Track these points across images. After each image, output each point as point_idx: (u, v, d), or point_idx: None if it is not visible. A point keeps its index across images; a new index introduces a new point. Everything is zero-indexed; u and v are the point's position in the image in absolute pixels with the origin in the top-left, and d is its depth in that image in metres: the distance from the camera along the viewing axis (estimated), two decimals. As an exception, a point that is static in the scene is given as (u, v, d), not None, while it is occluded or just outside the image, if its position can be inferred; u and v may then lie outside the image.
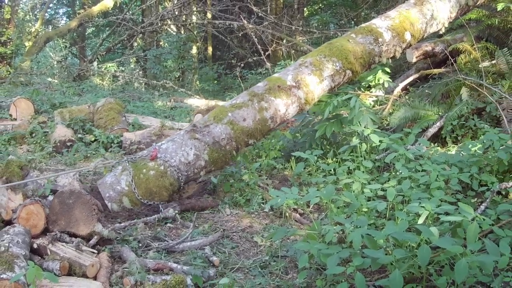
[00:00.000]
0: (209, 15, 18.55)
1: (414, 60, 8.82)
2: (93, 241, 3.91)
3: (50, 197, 4.44)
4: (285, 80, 5.65)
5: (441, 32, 7.18)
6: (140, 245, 4.20)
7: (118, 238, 4.12)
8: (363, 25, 6.56)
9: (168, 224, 4.75)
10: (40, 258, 3.65)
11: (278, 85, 5.56)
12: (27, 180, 4.31)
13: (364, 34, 6.20)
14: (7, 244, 3.40)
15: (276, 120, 5.52)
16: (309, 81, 5.70)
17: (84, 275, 3.48)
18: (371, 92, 9.47)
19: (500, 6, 7.16)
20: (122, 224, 4.14)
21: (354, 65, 6.00)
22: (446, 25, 6.96)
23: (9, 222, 3.97)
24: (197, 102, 12.12)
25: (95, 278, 3.52)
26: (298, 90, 5.61)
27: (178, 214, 4.94)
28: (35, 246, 3.73)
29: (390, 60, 6.64)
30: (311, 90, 5.70)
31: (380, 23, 6.43)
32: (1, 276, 3.05)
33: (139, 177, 4.77)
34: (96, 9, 17.12)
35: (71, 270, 3.51)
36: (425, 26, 6.61)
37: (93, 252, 3.80)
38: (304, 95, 5.65)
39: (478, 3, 7.30)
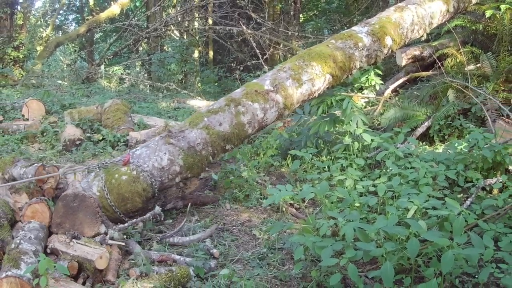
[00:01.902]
0: (210, 21, 18.53)
1: (404, 63, 8.83)
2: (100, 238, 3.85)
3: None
4: (263, 85, 5.22)
5: (423, 39, 6.98)
6: (144, 238, 4.21)
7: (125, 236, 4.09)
8: (343, 31, 6.26)
9: (168, 221, 4.76)
10: (56, 257, 3.60)
11: (255, 90, 5.14)
12: (25, 180, 4.18)
13: (343, 40, 5.89)
14: (18, 241, 3.38)
15: (254, 125, 5.05)
16: (287, 85, 5.26)
17: (96, 269, 3.42)
18: (363, 93, 9.47)
19: (488, 13, 7.16)
20: (125, 224, 4.08)
21: (334, 69, 5.59)
22: (428, 30, 6.70)
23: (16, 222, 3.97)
24: (199, 103, 12.10)
25: (106, 269, 3.48)
26: (276, 94, 5.17)
27: (181, 209, 4.95)
28: (50, 246, 3.65)
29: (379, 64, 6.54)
30: (289, 94, 5.25)
31: (360, 29, 6.14)
32: (7, 273, 3.02)
33: (111, 183, 4.30)
34: (103, 15, 17.09)
35: (82, 267, 3.45)
36: (406, 31, 6.31)
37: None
38: (283, 99, 5.21)
39: (460, 11, 7.16)
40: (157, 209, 4.28)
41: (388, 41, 6.06)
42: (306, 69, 5.43)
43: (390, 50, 6.22)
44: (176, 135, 4.65)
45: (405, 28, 6.25)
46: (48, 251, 3.63)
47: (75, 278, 3.42)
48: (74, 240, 3.64)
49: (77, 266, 3.41)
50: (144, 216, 4.18)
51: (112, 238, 3.80)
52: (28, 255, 3.25)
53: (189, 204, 4.88)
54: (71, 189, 4.01)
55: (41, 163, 4.41)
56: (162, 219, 4.36)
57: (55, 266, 3.10)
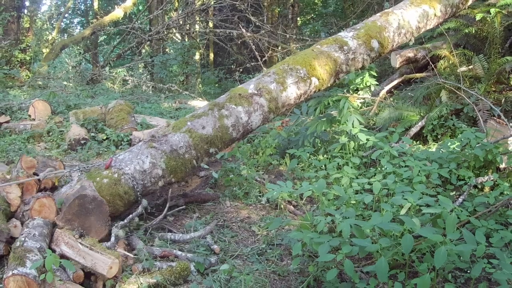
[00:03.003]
0: (210, 24, 18.53)
1: (398, 65, 8.83)
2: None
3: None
4: (247, 89, 5.09)
5: (411, 43, 6.85)
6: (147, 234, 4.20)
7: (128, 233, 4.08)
8: (329, 37, 6.09)
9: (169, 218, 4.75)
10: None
11: (239, 94, 5.01)
12: (21, 181, 4.09)
13: (328, 44, 5.73)
14: (23, 239, 3.35)
15: (239, 128, 4.87)
16: (271, 88, 5.10)
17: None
18: (359, 94, 9.46)
19: (478, 16, 7.16)
20: (125, 221, 4.05)
21: (319, 71, 5.42)
22: (416, 34, 6.54)
23: (13, 214, 3.89)
24: (200, 103, 12.09)
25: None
26: (260, 97, 5.01)
27: (183, 206, 4.94)
28: (58, 251, 3.48)
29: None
30: (274, 98, 5.08)
31: (345, 34, 6.00)
32: (13, 272, 2.99)
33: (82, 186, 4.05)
34: (107, 18, 17.08)
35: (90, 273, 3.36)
36: (393, 34, 6.13)
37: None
38: (267, 102, 5.03)
39: (449, 16, 7.07)
40: (144, 202, 4.25)
41: (375, 44, 5.92)
42: (291, 72, 5.29)
43: (378, 53, 6.06)
44: (159, 139, 4.53)
45: (391, 32, 6.10)
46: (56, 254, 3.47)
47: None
48: (81, 241, 3.48)
49: (82, 275, 3.31)
50: (135, 212, 4.14)
51: (116, 237, 3.78)
52: (33, 252, 3.21)
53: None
54: (90, 190, 3.89)
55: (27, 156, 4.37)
56: (148, 211, 4.33)
57: (60, 263, 3.07)
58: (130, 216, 4.10)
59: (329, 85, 5.73)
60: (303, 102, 5.80)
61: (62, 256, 3.40)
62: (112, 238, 3.73)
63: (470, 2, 7.26)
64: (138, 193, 4.30)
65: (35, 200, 3.84)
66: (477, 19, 7.23)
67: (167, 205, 4.60)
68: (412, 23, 6.31)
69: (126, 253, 3.64)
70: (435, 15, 6.59)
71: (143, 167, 4.32)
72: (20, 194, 4.00)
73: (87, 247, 3.39)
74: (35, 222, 3.64)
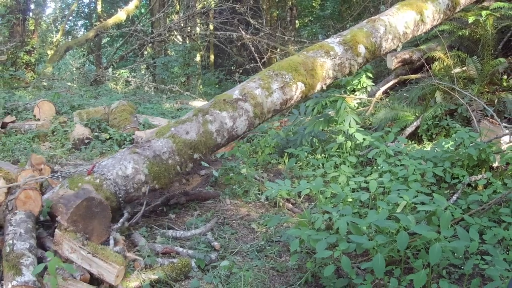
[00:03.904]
0: (211, 27, 18.51)
1: (394, 66, 8.82)
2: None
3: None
4: (232, 95, 4.93)
5: (398, 49, 6.71)
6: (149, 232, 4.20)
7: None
8: (315, 44, 5.90)
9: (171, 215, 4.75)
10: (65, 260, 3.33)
11: (223, 99, 4.85)
12: (12, 184, 3.99)
13: (315, 50, 5.54)
14: (11, 242, 3.20)
15: (224, 133, 4.71)
16: (256, 94, 4.93)
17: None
18: (356, 95, 9.46)
19: (471, 19, 7.16)
20: (118, 225, 4.00)
21: (306, 76, 5.24)
22: (403, 40, 6.34)
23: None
24: (201, 104, 12.08)
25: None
26: (245, 103, 4.85)
27: (184, 204, 4.94)
28: (62, 254, 3.35)
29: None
30: (259, 103, 4.91)
31: (332, 40, 5.83)
32: (12, 284, 2.86)
33: (74, 191, 3.89)
34: (110, 21, 17.06)
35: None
36: (380, 40, 5.94)
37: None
38: (252, 108, 4.86)
39: (436, 23, 6.91)
40: (128, 208, 4.16)
41: (361, 49, 5.75)
42: (276, 78, 5.13)
43: (365, 59, 5.88)
44: (142, 145, 4.38)
45: (378, 37, 5.93)
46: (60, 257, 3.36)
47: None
48: (85, 248, 3.32)
49: (89, 277, 3.22)
50: (124, 217, 4.06)
51: (115, 240, 3.74)
52: (25, 255, 3.09)
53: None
54: (95, 194, 3.81)
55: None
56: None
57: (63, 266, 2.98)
58: (121, 220, 4.03)
59: (316, 90, 5.56)
60: (290, 108, 5.67)
61: (68, 260, 3.31)
62: (111, 242, 3.68)
63: (458, 10, 7.18)
64: (121, 199, 4.11)
65: (21, 190, 3.68)
66: (469, 21, 7.23)
67: (144, 205, 4.34)
68: (399, 28, 6.14)
69: (136, 257, 3.58)
70: (422, 21, 6.44)
71: (125, 173, 4.13)
72: (6, 190, 3.82)
73: (90, 253, 3.28)
74: (17, 217, 3.47)
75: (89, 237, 3.56)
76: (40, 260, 3.26)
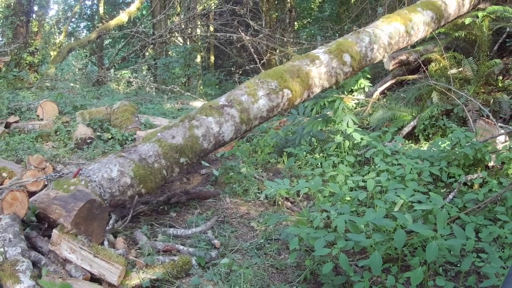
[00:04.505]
0: (211, 28, 18.52)
1: (391, 67, 8.82)
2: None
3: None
4: (218, 101, 4.91)
5: (384, 59, 6.61)
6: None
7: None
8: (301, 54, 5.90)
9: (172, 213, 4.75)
10: (63, 261, 3.31)
11: (210, 105, 4.83)
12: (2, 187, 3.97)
13: (300, 59, 5.54)
14: (2, 250, 3.11)
15: (210, 139, 4.64)
16: (242, 100, 4.90)
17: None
18: (354, 95, 9.46)
19: (467, 21, 7.16)
20: (109, 227, 3.98)
21: (291, 83, 5.21)
22: (388, 51, 6.33)
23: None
24: (201, 104, 12.08)
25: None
26: (231, 108, 4.80)
27: (185, 202, 4.94)
28: (66, 254, 3.30)
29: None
30: (245, 108, 4.86)
31: (317, 50, 5.82)
32: None
33: (67, 192, 3.80)
34: (112, 23, 17.04)
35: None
36: (365, 49, 5.91)
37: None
38: (238, 113, 4.81)
39: (421, 36, 6.86)
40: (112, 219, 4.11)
41: (347, 58, 5.72)
42: (262, 85, 5.10)
43: (351, 68, 5.83)
44: (128, 150, 4.34)
45: (363, 47, 5.91)
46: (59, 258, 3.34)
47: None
48: (84, 248, 3.30)
49: (89, 277, 3.20)
50: (112, 219, 4.06)
51: (109, 241, 3.71)
52: (19, 261, 3.01)
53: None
54: (94, 196, 3.77)
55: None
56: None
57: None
58: (111, 222, 4.02)
59: (303, 98, 5.49)
60: (277, 115, 5.64)
61: (66, 261, 3.29)
62: (106, 243, 3.65)
63: (443, 23, 7.25)
64: (106, 202, 3.98)
65: (8, 192, 3.61)
66: (466, 23, 7.23)
67: (132, 209, 4.32)
68: (384, 38, 6.15)
69: (137, 259, 3.56)
70: (406, 32, 6.45)
71: (110, 175, 4.06)
72: None
73: (91, 253, 3.25)
74: (3, 222, 3.39)
75: (89, 237, 3.50)
76: (33, 263, 3.20)
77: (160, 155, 4.34)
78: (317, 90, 5.59)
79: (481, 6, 7.82)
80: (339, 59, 5.66)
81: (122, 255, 3.41)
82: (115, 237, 3.94)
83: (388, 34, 6.23)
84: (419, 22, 6.62)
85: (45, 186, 4.22)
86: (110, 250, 3.36)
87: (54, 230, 3.39)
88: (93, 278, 3.22)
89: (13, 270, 2.94)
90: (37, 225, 3.74)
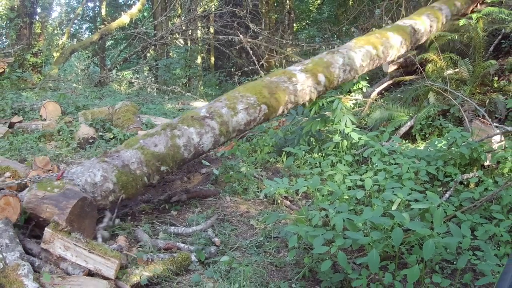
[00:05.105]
0: (212, 30, 18.50)
1: (389, 71, 8.84)
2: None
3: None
4: (199, 112, 4.97)
5: (355, 80, 6.78)
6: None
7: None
8: (278, 70, 6.10)
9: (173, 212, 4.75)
10: (56, 258, 3.30)
11: (191, 116, 4.87)
12: None
13: (278, 76, 5.70)
14: (1, 256, 3.06)
15: (190, 149, 4.67)
16: (223, 112, 4.97)
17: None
18: (352, 96, 9.46)
19: (461, 23, 7.16)
20: (104, 224, 3.98)
21: (269, 99, 5.33)
22: (359, 72, 6.58)
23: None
24: (201, 104, 12.06)
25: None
26: (212, 120, 4.86)
27: (185, 201, 4.94)
28: (60, 251, 3.28)
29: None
30: (225, 121, 4.93)
31: (294, 68, 5.98)
32: None
33: (55, 192, 3.79)
34: (114, 24, 17.02)
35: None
36: (338, 70, 6.10)
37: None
38: (218, 125, 4.88)
39: (390, 59, 7.29)
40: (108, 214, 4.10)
41: (321, 78, 5.90)
42: (241, 99, 5.20)
43: (325, 87, 6.02)
44: (111, 155, 4.32)
45: (336, 68, 6.11)
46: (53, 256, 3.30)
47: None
48: (79, 245, 3.29)
49: (88, 272, 3.20)
50: (106, 220, 4.05)
51: (103, 238, 3.70)
52: (20, 265, 2.97)
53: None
54: (85, 194, 3.75)
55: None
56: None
57: None
58: (105, 219, 4.02)
59: (277, 114, 5.64)
60: (252, 129, 5.71)
61: (59, 258, 3.27)
62: (99, 240, 3.66)
63: (413, 47, 7.68)
64: None
65: (1, 196, 3.52)
66: (460, 25, 7.24)
67: (115, 212, 4.25)
68: (357, 61, 6.36)
69: (131, 254, 3.56)
70: (377, 55, 6.72)
71: (94, 180, 4.05)
72: None
73: (86, 250, 3.25)
74: None
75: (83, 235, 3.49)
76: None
77: (142, 162, 4.34)
78: (291, 106, 5.77)
79: (477, 8, 7.83)
80: (314, 79, 5.87)
81: (116, 250, 3.43)
82: (110, 234, 3.96)
83: (361, 56, 6.48)
84: (389, 46, 6.96)
85: (25, 187, 4.11)
86: (105, 246, 3.37)
87: (46, 229, 3.37)
88: (88, 274, 3.22)
89: (16, 275, 2.92)
90: (23, 226, 3.67)
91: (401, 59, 8.77)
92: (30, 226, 3.68)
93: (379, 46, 6.75)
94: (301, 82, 5.71)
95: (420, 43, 7.87)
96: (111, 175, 4.13)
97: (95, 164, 4.19)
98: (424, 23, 7.78)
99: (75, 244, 3.26)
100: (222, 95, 5.40)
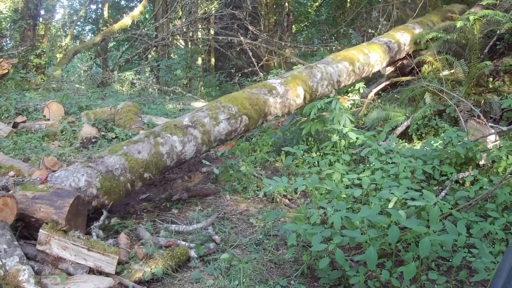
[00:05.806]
0: (212, 32, 18.48)
1: (387, 73, 8.85)
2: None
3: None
4: (182, 121, 4.98)
5: (332, 94, 6.84)
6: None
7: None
8: (258, 83, 6.21)
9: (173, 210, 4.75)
10: (54, 259, 3.25)
11: (174, 124, 4.87)
12: None
13: (258, 88, 5.81)
14: (0, 263, 2.95)
15: (173, 156, 4.67)
16: (205, 122, 5.01)
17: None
18: (349, 96, 9.45)
19: (458, 24, 7.16)
20: (100, 223, 3.95)
21: (250, 110, 5.42)
22: (336, 87, 6.76)
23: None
24: (202, 105, 12.04)
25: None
26: (194, 129, 4.88)
27: (186, 199, 4.94)
28: (57, 251, 3.21)
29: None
30: (207, 130, 4.97)
31: (274, 80, 6.12)
32: None
33: (46, 191, 3.73)
34: (116, 26, 17.00)
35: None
36: (316, 84, 6.28)
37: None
38: (201, 135, 4.92)
39: (365, 75, 7.59)
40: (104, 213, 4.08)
41: (300, 91, 6.08)
42: (223, 109, 5.25)
43: (303, 100, 6.19)
44: (95, 160, 4.26)
45: (315, 82, 6.28)
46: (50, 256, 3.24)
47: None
48: (77, 244, 3.24)
49: (89, 271, 3.19)
50: (102, 218, 4.03)
51: (98, 236, 3.68)
52: (21, 270, 2.90)
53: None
54: (78, 192, 3.74)
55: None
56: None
57: None
58: (102, 218, 4.01)
59: (257, 125, 5.75)
60: (233, 139, 5.78)
61: (57, 259, 3.22)
62: (94, 237, 3.63)
63: (385, 64, 8.19)
64: None
65: (0, 197, 3.40)
66: (457, 26, 7.24)
67: (104, 213, 4.17)
68: (334, 76, 6.56)
69: (128, 249, 3.56)
70: (353, 71, 6.99)
71: (78, 185, 3.98)
72: None
73: (85, 248, 3.20)
74: None
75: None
76: None
77: (126, 169, 4.31)
78: (271, 117, 5.92)
79: (473, 10, 7.83)
80: (293, 92, 6.05)
81: (113, 245, 3.45)
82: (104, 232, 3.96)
83: (338, 72, 6.74)
84: (365, 63, 7.34)
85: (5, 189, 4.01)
86: (102, 242, 3.37)
87: (41, 230, 3.29)
88: (89, 272, 3.22)
89: (17, 281, 2.84)
90: (11, 227, 3.51)
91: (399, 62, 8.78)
92: (19, 227, 3.55)
93: (355, 63, 7.06)
94: (281, 95, 5.87)
95: (394, 61, 8.44)
96: (95, 181, 4.07)
97: (80, 169, 4.12)
98: (399, 41, 8.29)
99: (72, 243, 3.22)
100: (212, 100, 5.48)
